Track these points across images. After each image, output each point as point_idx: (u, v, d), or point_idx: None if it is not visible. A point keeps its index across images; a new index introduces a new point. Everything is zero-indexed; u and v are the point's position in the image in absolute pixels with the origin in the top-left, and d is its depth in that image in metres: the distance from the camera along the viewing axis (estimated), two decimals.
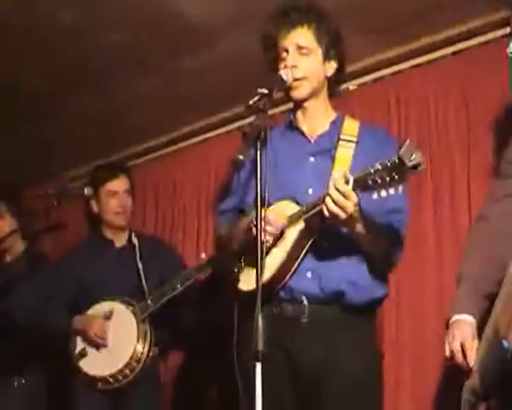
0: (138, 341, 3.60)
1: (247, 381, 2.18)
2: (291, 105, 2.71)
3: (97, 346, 3.62)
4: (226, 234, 2.65)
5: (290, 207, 2.47)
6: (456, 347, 2.41)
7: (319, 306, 2.44)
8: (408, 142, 2.11)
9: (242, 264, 2.52)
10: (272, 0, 2.63)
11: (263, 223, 2.19)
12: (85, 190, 3.98)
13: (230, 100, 4.43)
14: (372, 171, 2.17)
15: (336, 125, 2.63)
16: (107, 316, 3.63)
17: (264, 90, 2.34)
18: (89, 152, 5.26)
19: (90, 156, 5.28)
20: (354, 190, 2.24)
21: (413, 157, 2.08)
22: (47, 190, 4.85)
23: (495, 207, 2.63)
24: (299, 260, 2.43)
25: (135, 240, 3.87)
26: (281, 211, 2.45)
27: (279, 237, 2.44)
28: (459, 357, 2.40)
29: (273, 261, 2.41)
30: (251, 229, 2.35)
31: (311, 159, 2.58)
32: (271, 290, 2.40)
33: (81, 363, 3.64)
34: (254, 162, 2.23)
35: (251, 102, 2.32)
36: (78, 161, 5.49)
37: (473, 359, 2.37)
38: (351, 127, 2.62)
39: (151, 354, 3.62)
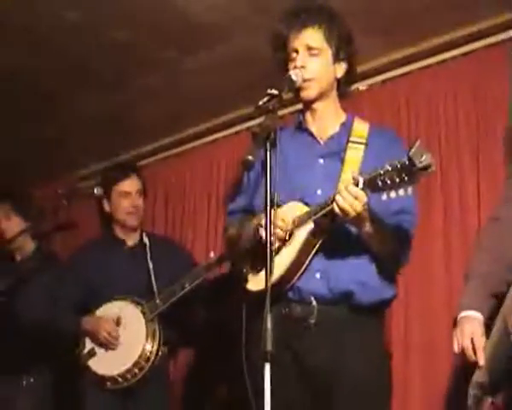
0: (147, 340, 3.60)
1: (255, 381, 2.18)
2: (301, 106, 2.70)
3: (106, 346, 3.63)
4: (235, 234, 2.65)
5: (299, 209, 2.46)
6: (466, 343, 2.42)
7: (328, 306, 2.44)
8: (418, 143, 2.10)
9: (251, 264, 2.52)
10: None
11: (272, 225, 2.19)
12: (95, 190, 3.98)
13: (240, 100, 4.44)
14: (382, 172, 2.17)
15: (346, 127, 2.62)
16: (117, 322, 3.64)
17: (274, 91, 2.33)
18: (98, 151, 5.28)
19: (100, 156, 5.31)
20: (364, 190, 2.24)
21: (423, 158, 2.08)
22: (56, 189, 4.86)
23: (505, 207, 2.64)
24: (308, 260, 2.43)
25: (146, 240, 3.89)
26: (290, 212, 2.45)
27: (288, 239, 2.44)
28: (470, 354, 2.41)
29: (282, 262, 2.40)
30: (260, 230, 2.35)
31: (321, 161, 2.58)
32: (280, 291, 2.40)
33: (90, 363, 3.65)
34: (263, 163, 2.23)
35: (260, 103, 2.32)
36: (87, 160, 5.52)
37: (482, 356, 2.38)
38: (360, 129, 2.61)
39: (160, 353, 3.62)
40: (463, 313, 2.49)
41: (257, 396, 2.17)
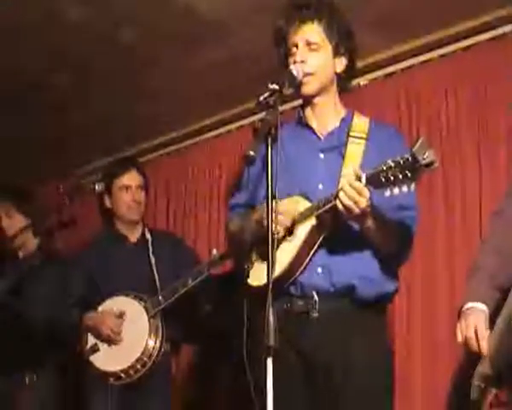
0: (150, 336, 3.61)
1: (257, 376, 2.19)
2: (301, 101, 2.70)
3: (109, 342, 3.64)
4: (237, 229, 2.65)
5: (301, 203, 2.47)
6: (470, 333, 2.43)
7: (330, 301, 2.44)
8: (421, 139, 2.10)
9: (253, 260, 2.52)
10: None
11: (274, 215, 2.19)
12: (97, 186, 3.98)
13: (241, 96, 4.44)
14: (384, 168, 2.17)
15: (346, 122, 2.62)
16: (120, 316, 3.65)
17: (275, 86, 2.33)
18: (100, 148, 5.29)
19: (102, 152, 5.31)
20: (366, 186, 2.24)
21: (426, 155, 2.08)
22: (58, 187, 4.87)
23: (508, 200, 2.65)
24: (310, 255, 2.43)
25: (148, 235, 3.89)
26: (291, 207, 2.45)
27: (290, 229, 2.44)
28: (473, 343, 2.41)
29: (284, 257, 2.40)
30: (262, 223, 2.35)
31: (321, 155, 2.58)
32: (282, 286, 2.41)
33: (92, 358, 3.65)
34: (265, 158, 2.23)
35: (261, 98, 2.32)
36: (89, 157, 5.52)
37: (485, 347, 2.38)
38: (360, 124, 2.61)
39: (163, 349, 3.63)
40: (469, 305, 2.50)
41: (260, 392, 2.17)
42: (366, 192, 2.25)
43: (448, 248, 3.69)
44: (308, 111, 2.65)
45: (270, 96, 2.31)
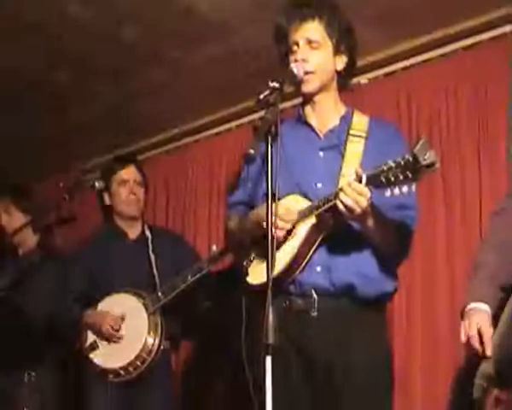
0: (149, 333, 3.61)
1: (257, 374, 2.19)
2: (301, 99, 2.70)
3: (109, 339, 3.64)
4: (236, 228, 2.65)
5: (299, 202, 2.46)
6: (473, 331, 2.43)
7: (329, 299, 2.44)
8: (423, 140, 2.10)
9: (252, 258, 2.52)
10: None
11: (274, 217, 2.19)
12: (96, 184, 3.98)
13: (241, 94, 4.45)
14: (385, 168, 2.17)
15: (346, 120, 2.62)
16: (120, 315, 3.65)
17: (275, 84, 2.33)
18: (100, 145, 5.29)
19: (102, 149, 5.31)
20: (367, 186, 2.24)
21: (427, 156, 2.07)
22: (58, 183, 4.87)
23: (510, 200, 2.66)
24: (309, 254, 2.43)
25: (148, 232, 3.90)
26: (290, 205, 2.45)
27: (290, 232, 2.44)
28: (475, 342, 2.42)
29: (283, 256, 2.40)
30: (261, 223, 2.34)
31: (321, 154, 2.57)
32: (281, 284, 2.40)
33: (92, 355, 3.66)
34: (264, 156, 2.23)
35: (261, 97, 2.31)
36: (89, 153, 5.53)
37: (489, 345, 2.39)
38: (360, 122, 2.61)
39: (162, 346, 3.63)
40: (472, 305, 2.50)
41: (259, 390, 2.17)
42: (367, 192, 2.24)
43: (448, 247, 3.69)
44: (308, 109, 2.65)
45: (271, 94, 2.31)
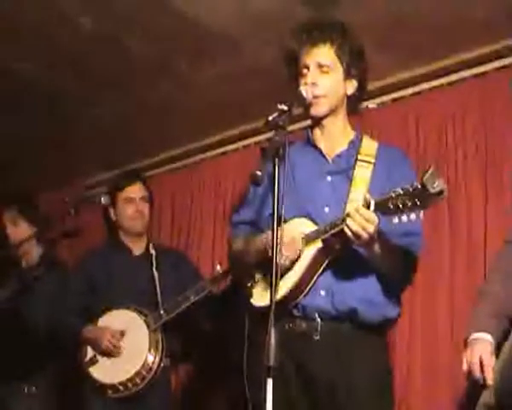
0: (150, 350, 3.60)
1: (257, 396, 2.18)
2: (310, 122, 2.70)
3: (108, 354, 3.63)
4: (241, 249, 2.65)
5: (305, 225, 2.46)
6: (474, 360, 2.42)
7: (332, 323, 2.43)
8: (432, 169, 2.11)
9: (257, 279, 2.51)
10: (291, 11, 2.61)
11: (279, 241, 2.18)
12: (102, 199, 4.00)
13: (248, 114, 4.46)
14: (394, 195, 2.17)
15: (355, 145, 2.62)
16: (120, 331, 3.64)
17: (284, 107, 2.33)
18: (105, 161, 5.30)
19: (107, 165, 5.32)
20: (374, 212, 2.24)
21: (436, 184, 2.09)
22: (64, 198, 4.89)
23: None
24: (314, 279, 2.42)
25: (152, 250, 3.89)
26: (296, 228, 2.45)
27: (295, 260, 2.43)
28: (476, 370, 2.41)
29: (288, 279, 2.40)
30: (267, 249, 2.33)
31: (329, 178, 2.57)
32: (284, 308, 2.39)
33: (91, 370, 3.65)
34: (271, 178, 2.22)
35: (270, 118, 2.31)
36: (94, 169, 5.53)
37: (491, 375, 2.38)
38: (369, 148, 2.61)
39: (162, 364, 3.62)
40: (475, 335, 2.50)
41: None
42: (374, 218, 2.25)
43: (450, 268, 3.69)
44: (316, 132, 2.65)
45: (279, 116, 2.31)
